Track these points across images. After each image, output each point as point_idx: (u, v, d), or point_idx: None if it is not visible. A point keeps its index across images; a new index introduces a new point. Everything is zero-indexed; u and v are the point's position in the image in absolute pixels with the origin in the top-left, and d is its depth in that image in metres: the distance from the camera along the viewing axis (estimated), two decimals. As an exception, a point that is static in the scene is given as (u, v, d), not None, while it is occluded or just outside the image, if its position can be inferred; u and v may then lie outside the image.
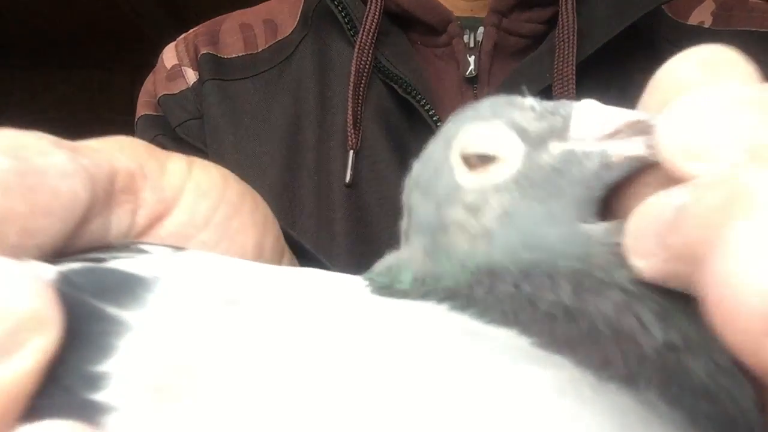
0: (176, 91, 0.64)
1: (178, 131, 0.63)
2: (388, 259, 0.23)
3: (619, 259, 0.18)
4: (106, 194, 0.22)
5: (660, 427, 0.16)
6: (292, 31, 0.63)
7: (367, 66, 0.56)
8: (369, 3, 0.57)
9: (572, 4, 0.54)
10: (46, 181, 0.20)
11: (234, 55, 0.63)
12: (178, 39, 0.67)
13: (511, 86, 0.54)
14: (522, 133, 0.22)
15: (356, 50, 0.56)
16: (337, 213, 0.55)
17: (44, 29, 3.07)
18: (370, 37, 0.56)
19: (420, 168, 0.23)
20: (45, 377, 0.16)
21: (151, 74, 0.67)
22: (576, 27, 0.53)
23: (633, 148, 0.20)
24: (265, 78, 0.62)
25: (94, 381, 0.16)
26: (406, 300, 0.20)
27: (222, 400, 0.16)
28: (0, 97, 3.22)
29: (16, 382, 0.15)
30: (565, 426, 0.15)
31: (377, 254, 0.24)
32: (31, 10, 2.82)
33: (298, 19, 0.64)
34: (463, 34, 0.58)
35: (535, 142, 0.21)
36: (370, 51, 0.56)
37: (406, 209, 0.23)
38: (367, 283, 0.22)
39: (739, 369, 0.16)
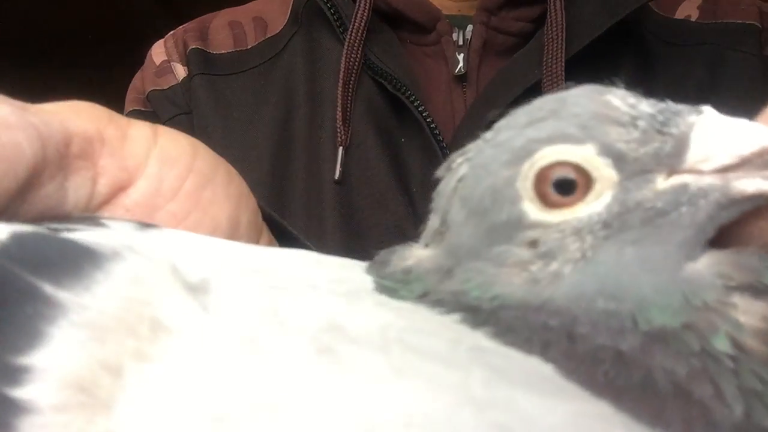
0: (166, 87, 0.64)
1: (168, 126, 0.62)
2: (404, 260, 0.20)
3: (725, 319, 0.16)
4: (58, 156, 0.21)
5: None
6: (281, 29, 0.64)
7: (356, 63, 0.57)
8: (358, 1, 0.57)
9: (560, 1, 0.55)
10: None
11: (223, 51, 0.64)
12: (166, 35, 0.67)
13: (499, 84, 0.55)
14: (618, 159, 0.18)
15: (345, 47, 0.57)
16: (326, 209, 0.56)
17: (44, 29, 3.07)
18: (359, 34, 0.56)
19: (471, 178, 0.20)
20: None
21: (139, 71, 0.67)
22: (564, 24, 0.54)
23: (765, 184, 0.17)
24: (254, 74, 0.62)
25: (15, 374, 0.14)
26: (409, 302, 0.18)
27: (154, 405, 0.14)
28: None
29: None
30: None
31: (367, 249, 0.23)
32: (30, 9, 2.82)
33: (288, 16, 0.65)
34: (452, 32, 0.59)
35: (634, 170, 0.18)
36: (360, 48, 0.57)
37: (440, 211, 0.21)
38: (371, 279, 0.19)
39: None
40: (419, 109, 0.55)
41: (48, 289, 0.15)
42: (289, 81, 0.61)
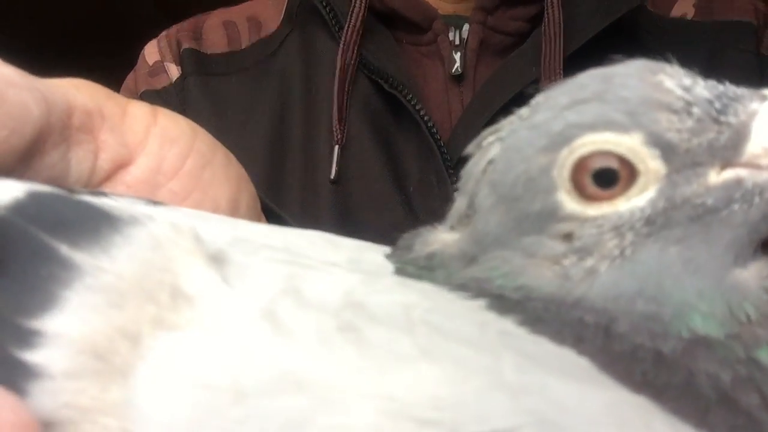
0: (159, 87, 0.64)
1: None
2: (428, 245, 0.19)
3: None
4: (62, 125, 0.21)
5: None
6: (276, 29, 0.64)
7: (352, 62, 0.57)
8: (353, 1, 0.57)
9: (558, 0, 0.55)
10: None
11: (217, 52, 0.64)
12: (159, 35, 0.67)
13: (496, 83, 0.55)
14: (668, 150, 0.16)
15: (341, 46, 0.56)
16: (322, 208, 0.56)
17: (43, 29, 3.06)
18: (355, 33, 0.56)
19: (503, 161, 0.18)
20: None
21: (131, 72, 0.67)
22: (562, 22, 0.54)
23: None
24: (248, 74, 0.62)
25: (27, 337, 0.13)
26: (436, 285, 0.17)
27: (173, 376, 0.13)
28: None
29: None
30: None
31: None
32: (29, 9, 2.82)
33: (282, 16, 0.64)
34: (449, 32, 0.59)
35: (684, 163, 0.16)
36: (355, 47, 0.57)
37: (468, 193, 0.19)
38: (391, 264, 0.19)
39: None
40: (416, 107, 0.55)
41: (64, 250, 0.14)
42: (284, 81, 0.61)
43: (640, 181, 0.16)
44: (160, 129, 0.24)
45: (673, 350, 0.15)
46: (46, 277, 0.14)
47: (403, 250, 0.20)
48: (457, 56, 0.58)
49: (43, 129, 0.20)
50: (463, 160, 0.55)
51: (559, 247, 0.17)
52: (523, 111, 0.19)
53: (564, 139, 0.17)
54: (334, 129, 0.56)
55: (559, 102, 0.18)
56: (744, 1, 0.60)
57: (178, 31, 0.66)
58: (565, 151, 0.16)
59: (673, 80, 0.17)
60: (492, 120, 0.54)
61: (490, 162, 0.19)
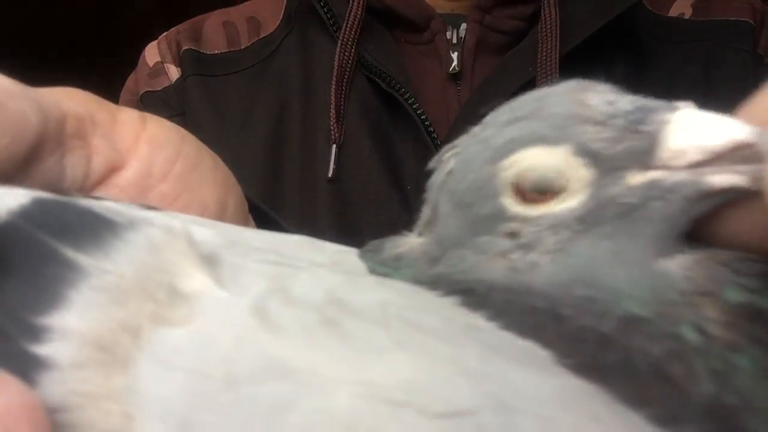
0: (159, 88, 0.64)
1: None
2: (397, 247, 0.22)
3: (695, 311, 0.17)
4: (57, 133, 0.22)
5: None
6: (275, 29, 0.64)
7: (349, 61, 0.57)
8: (351, 0, 0.58)
9: None
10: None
11: (216, 52, 0.64)
12: (160, 37, 0.67)
13: (493, 82, 0.55)
14: (593, 157, 0.19)
15: (339, 45, 0.57)
16: (320, 207, 0.56)
17: (43, 29, 3.07)
18: (352, 32, 0.57)
19: (457, 173, 0.21)
20: None
21: (132, 73, 0.67)
22: (558, 21, 0.55)
23: (735, 178, 0.17)
24: (248, 74, 0.62)
25: (37, 332, 0.15)
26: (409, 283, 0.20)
27: (169, 364, 0.15)
28: None
29: None
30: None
31: (361, 247, 0.23)
32: (29, 10, 2.83)
33: (281, 16, 0.65)
34: (446, 31, 0.59)
35: (608, 168, 0.18)
36: (353, 46, 0.57)
37: (431, 202, 0.22)
38: (364, 264, 0.21)
39: None
40: (413, 106, 0.55)
41: (69, 253, 0.16)
42: (283, 81, 0.61)
43: (572, 186, 0.19)
44: (148, 134, 0.26)
45: (612, 329, 0.17)
46: (53, 277, 0.15)
47: (372, 252, 0.22)
48: (455, 55, 0.58)
49: (41, 136, 0.21)
50: None
51: (506, 244, 0.19)
52: (475, 128, 0.22)
53: (505, 152, 0.20)
54: (331, 128, 0.57)
55: (501, 120, 0.21)
56: (741, 1, 0.60)
57: (178, 32, 0.66)
58: (506, 163, 0.19)
59: (597, 96, 0.19)
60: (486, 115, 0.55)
61: (449, 174, 0.22)
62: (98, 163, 0.24)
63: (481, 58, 0.58)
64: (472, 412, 0.14)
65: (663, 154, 0.18)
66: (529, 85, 0.54)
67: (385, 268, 0.21)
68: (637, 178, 0.18)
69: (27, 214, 0.16)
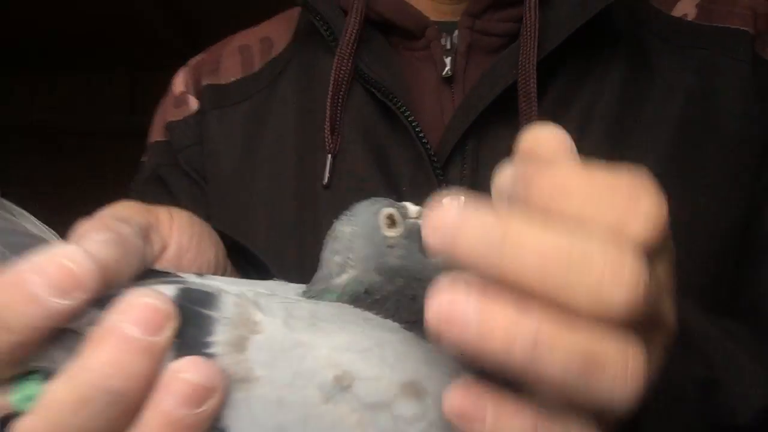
0: (180, 118, 0.68)
1: (180, 157, 0.67)
2: (321, 284, 0.37)
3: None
4: (143, 235, 0.35)
5: (432, 352, 0.32)
6: (284, 48, 0.66)
7: (346, 74, 0.59)
8: (349, 15, 0.59)
9: (535, 1, 0.56)
10: (132, 241, 0.33)
11: (232, 80, 0.67)
12: (187, 63, 0.70)
13: (481, 86, 0.56)
14: (402, 213, 0.39)
15: (336, 60, 0.59)
16: (318, 215, 0.58)
17: (44, 31, 3.08)
18: (349, 46, 0.58)
19: (357, 228, 0.38)
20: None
21: (164, 98, 0.70)
22: (537, 24, 0.55)
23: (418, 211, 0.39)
24: (260, 97, 0.65)
25: (207, 345, 0.30)
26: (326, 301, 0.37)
27: (261, 348, 0.31)
28: (0, 97, 3.23)
29: (162, 344, 0.28)
30: (397, 349, 0.32)
31: None
32: (30, 12, 2.84)
33: (291, 34, 0.66)
34: (441, 37, 0.60)
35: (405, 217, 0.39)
36: (350, 59, 0.59)
37: (342, 253, 0.38)
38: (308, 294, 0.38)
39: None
40: (405, 114, 0.56)
41: (205, 311, 0.31)
42: (288, 98, 0.63)
43: (400, 223, 0.38)
44: (176, 224, 0.39)
45: (422, 294, 0.29)
46: (204, 324, 0.31)
47: (310, 288, 0.38)
48: (448, 60, 0.59)
49: (144, 240, 0.35)
50: (448, 163, 0.55)
51: (388, 251, 0.38)
52: (346, 215, 0.40)
53: (377, 210, 0.39)
54: (326, 139, 0.58)
55: (367, 207, 0.40)
56: (743, 8, 0.60)
57: (201, 64, 0.69)
58: (381, 215, 0.39)
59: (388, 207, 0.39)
60: (478, 121, 0.56)
61: (352, 232, 0.38)
62: (156, 248, 0.37)
63: (474, 61, 0.60)
64: (370, 347, 0.32)
65: (412, 212, 0.39)
66: (513, 88, 0.55)
67: (323, 295, 0.37)
68: (409, 222, 0.39)
69: (182, 296, 0.31)
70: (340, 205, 0.39)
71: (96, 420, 0.27)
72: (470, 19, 0.59)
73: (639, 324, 0.25)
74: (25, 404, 0.29)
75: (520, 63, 0.55)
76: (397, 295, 0.36)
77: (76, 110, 3.21)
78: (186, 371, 0.28)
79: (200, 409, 0.28)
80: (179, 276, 0.35)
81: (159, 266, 0.37)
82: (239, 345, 0.31)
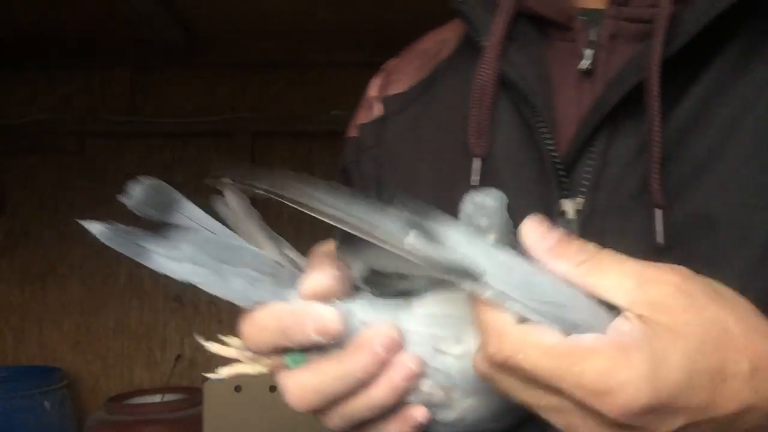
0: (366, 121, 0.70)
1: (362, 158, 0.69)
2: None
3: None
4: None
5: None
6: (453, 50, 0.67)
7: (491, 76, 0.59)
8: (496, 15, 0.59)
9: None
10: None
11: (407, 88, 0.68)
12: (381, 70, 0.73)
13: (614, 83, 0.54)
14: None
15: (480, 61, 0.59)
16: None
17: (44, 29, 3.07)
18: (494, 50, 0.58)
19: (497, 203, 0.47)
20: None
21: (363, 96, 0.73)
22: (669, 16, 0.52)
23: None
24: (419, 104, 0.66)
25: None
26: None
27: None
28: (0, 97, 3.22)
29: (391, 358, 0.46)
30: (421, 311, 0.47)
31: None
32: (30, 10, 2.83)
33: (460, 38, 0.67)
34: (587, 29, 0.59)
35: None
36: (495, 61, 0.58)
37: (491, 218, 0.46)
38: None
39: None
40: (537, 117, 0.56)
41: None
42: (446, 100, 0.64)
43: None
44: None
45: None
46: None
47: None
48: (589, 53, 0.57)
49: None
50: (575, 162, 0.56)
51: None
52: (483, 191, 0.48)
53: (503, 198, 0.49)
54: (470, 143, 0.59)
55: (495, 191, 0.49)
56: None
57: (391, 72, 0.71)
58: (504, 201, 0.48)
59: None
60: (609, 117, 0.54)
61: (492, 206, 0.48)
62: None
63: (619, 50, 0.57)
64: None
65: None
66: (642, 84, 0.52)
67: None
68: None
69: (357, 309, 0.47)
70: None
71: (341, 385, 0.46)
72: (616, 8, 0.57)
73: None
74: (294, 364, 0.47)
75: (647, 59, 0.52)
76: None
77: (76, 110, 3.21)
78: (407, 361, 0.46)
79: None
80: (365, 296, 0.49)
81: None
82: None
